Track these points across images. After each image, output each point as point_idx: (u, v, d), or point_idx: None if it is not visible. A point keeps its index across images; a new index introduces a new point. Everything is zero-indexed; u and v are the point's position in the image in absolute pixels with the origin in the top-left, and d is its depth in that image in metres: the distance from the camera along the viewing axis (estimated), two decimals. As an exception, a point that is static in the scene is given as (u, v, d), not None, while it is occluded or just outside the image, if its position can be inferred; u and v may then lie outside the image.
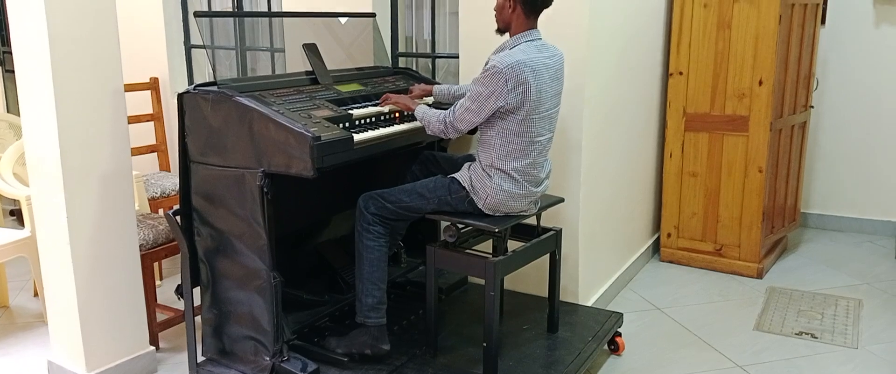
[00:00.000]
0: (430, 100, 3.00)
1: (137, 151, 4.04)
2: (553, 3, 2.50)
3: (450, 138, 2.56)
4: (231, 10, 4.39)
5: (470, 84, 2.46)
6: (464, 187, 2.52)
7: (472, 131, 2.55)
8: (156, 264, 3.52)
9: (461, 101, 2.46)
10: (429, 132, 2.58)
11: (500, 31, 2.55)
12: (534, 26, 2.49)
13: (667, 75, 3.97)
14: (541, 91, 2.41)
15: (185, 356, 2.85)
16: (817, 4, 4.03)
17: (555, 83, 2.49)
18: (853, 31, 4.42)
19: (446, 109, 2.54)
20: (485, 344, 2.48)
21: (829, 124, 4.60)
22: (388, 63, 3.44)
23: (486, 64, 2.39)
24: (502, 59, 2.35)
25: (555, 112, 2.53)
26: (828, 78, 4.54)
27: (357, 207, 2.62)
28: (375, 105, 2.78)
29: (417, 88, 3.02)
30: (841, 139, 4.59)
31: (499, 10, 2.51)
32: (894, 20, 4.32)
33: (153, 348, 2.92)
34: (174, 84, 4.49)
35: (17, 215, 4.74)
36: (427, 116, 2.57)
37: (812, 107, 4.24)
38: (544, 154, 2.54)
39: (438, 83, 3.15)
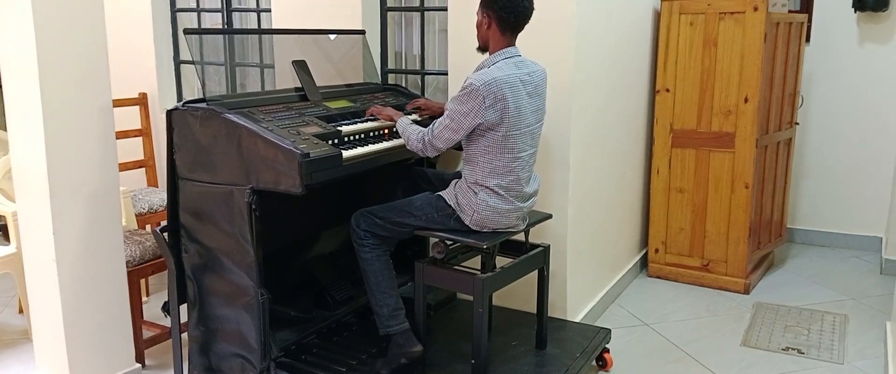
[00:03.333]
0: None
1: (125, 167, 4.03)
2: (540, 24, 2.52)
3: (428, 157, 2.58)
4: (221, 27, 4.39)
5: (449, 102, 2.48)
6: (450, 205, 2.53)
7: (458, 148, 2.56)
8: (142, 281, 3.50)
9: (440, 119, 2.47)
10: (408, 148, 2.59)
11: (481, 49, 2.58)
12: (512, 43, 2.51)
13: (653, 92, 4.00)
14: (520, 107, 2.43)
15: (171, 374, 2.83)
16: (802, 23, 4.08)
17: (534, 99, 2.51)
18: (837, 49, 4.48)
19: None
20: (473, 360, 2.48)
21: (814, 141, 4.64)
22: (378, 79, 3.45)
23: (464, 82, 2.41)
24: (479, 77, 2.38)
25: (537, 128, 2.55)
26: (813, 95, 4.59)
27: (350, 225, 2.63)
28: (365, 122, 2.79)
29: (422, 101, 3.06)
30: (826, 155, 4.63)
31: (477, 27, 2.54)
32: (878, 38, 4.38)
33: (139, 365, 2.90)
34: (163, 100, 4.48)
35: (2, 231, 4.71)
36: (408, 132, 2.59)
37: (797, 123, 4.29)
38: (528, 169, 2.56)
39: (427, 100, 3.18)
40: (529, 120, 2.49)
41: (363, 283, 2.70)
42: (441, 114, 2.99)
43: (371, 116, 2.84)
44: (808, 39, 4.42)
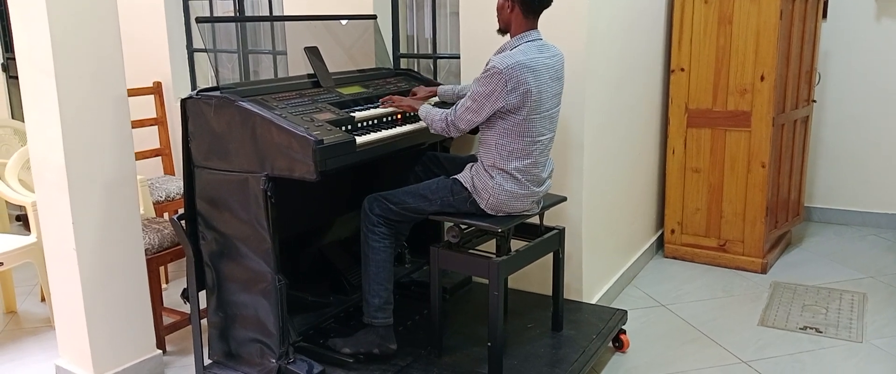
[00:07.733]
0: (435, 100, 3.01)
1: (141, 156, 4.06)
2: (553, 3, 2.51)
3: (452, 137, 2.59)
4: (232, 14, 4.40)
5: (471, 84, 2.47)
6: (466, 188, 2.53)
7: (474, 131, 2.56)
8: (162, 268, 3.54)
9: (462, 100, 2.47)
10: (432, 130, 2.61)
11: (502, 31, 2.56)
12: (534, 27, 2.50)
13: (668, 72, 3.97)
14: (541, 92, 2.42)
15: (191, 360, 2.87)
16: (818, -1, 4.03)
17: (555, 83, 2.50)
18: (855, 25, 4.42)
19: (451, 107, 2.56)
20: (489, 343, 2.50)
21: (831, 118, 4.59)
22: (390, 64, 3.45)
23: (487, 65, 2.40)
24: (502, 60, 2.36)
25: (555, 112, 2.54)
26: (830, 72, 4.53)
27: (362, 208, 2.64)
28: (378, 107, 2.79)
29: (421, 89, 3.04)
30: (844, 133, 4.58)
31: (499, 10, 2.52)
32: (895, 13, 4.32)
33: (160, 351, 2.93)
34: (177, 88, 4.51)
35: (23, 221, 4.77)
36: (430, 115, 2.60)
37: (814, 101, 4.24)
38: (546, 154, 2.55)
39: (442, 84, 3.16)
40: (549, 104, 2.48)
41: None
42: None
43: (388, 103, 2.83)
44: (824, 16, 4.36)
